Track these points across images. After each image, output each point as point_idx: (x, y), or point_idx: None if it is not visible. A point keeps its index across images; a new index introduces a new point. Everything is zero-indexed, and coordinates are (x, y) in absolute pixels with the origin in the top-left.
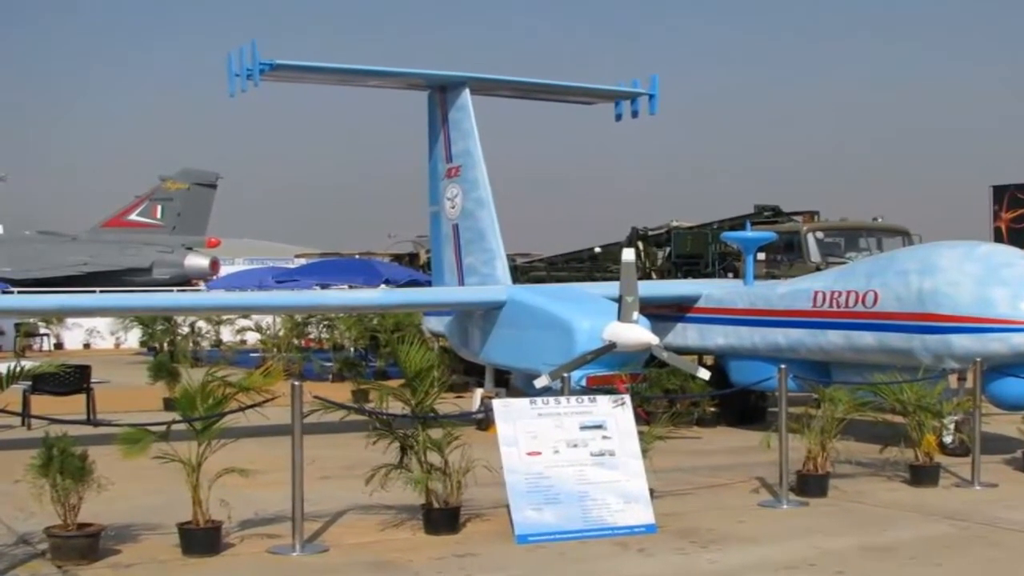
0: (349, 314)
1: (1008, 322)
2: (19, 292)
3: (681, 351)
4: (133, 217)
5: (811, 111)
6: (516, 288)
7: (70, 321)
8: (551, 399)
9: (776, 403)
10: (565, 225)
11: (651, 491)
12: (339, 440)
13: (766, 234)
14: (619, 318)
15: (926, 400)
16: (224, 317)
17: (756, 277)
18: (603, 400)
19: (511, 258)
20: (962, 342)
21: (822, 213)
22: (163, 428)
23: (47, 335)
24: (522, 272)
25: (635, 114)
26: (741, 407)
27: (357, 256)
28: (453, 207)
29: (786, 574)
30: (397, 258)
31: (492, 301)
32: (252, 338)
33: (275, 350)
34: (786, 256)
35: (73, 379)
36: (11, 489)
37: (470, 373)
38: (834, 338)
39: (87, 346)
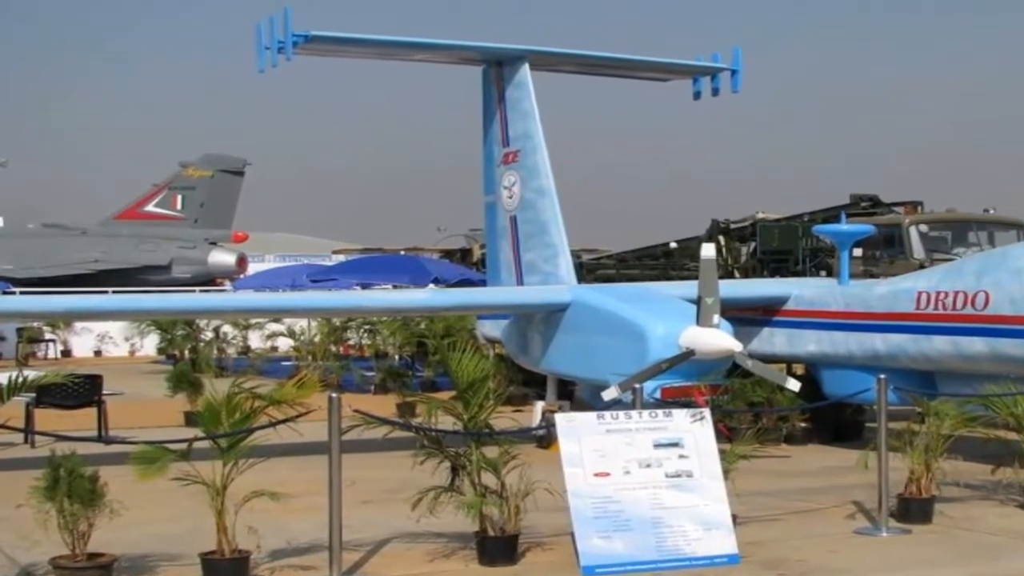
0: (393, 317)
1: None
2: (21, 292)
3: (767, 359)
4: (150, 208)
5: (915, 88)
6: (582, 288)
7: (79, 325)
8: (621, 413)
9: (874, 418)
10: (637, 217)
11: (733, 517)
12: (382, 459)
13: (863, 227)
14: (698, 322)
15: None
16: (252, 321)
17: (852, 276)
18: (680, 415)
19: (576, 254)
20: None
21: (926, 204)
22: (184, 446)
23: (53, 341)
24: (588, 270)
25: (715, 92)
26: (835, 422)
27: (402, 252)
28: (511, 197)
29: None
30: (447, 254)
31: (554, 303)
32: (284, 344)
33: (310, 358)
34: (886, 252)
35: (82, 391)
36: (13, 514)
37: (530, 384)
38: (940, 344)
39: (98, 353)
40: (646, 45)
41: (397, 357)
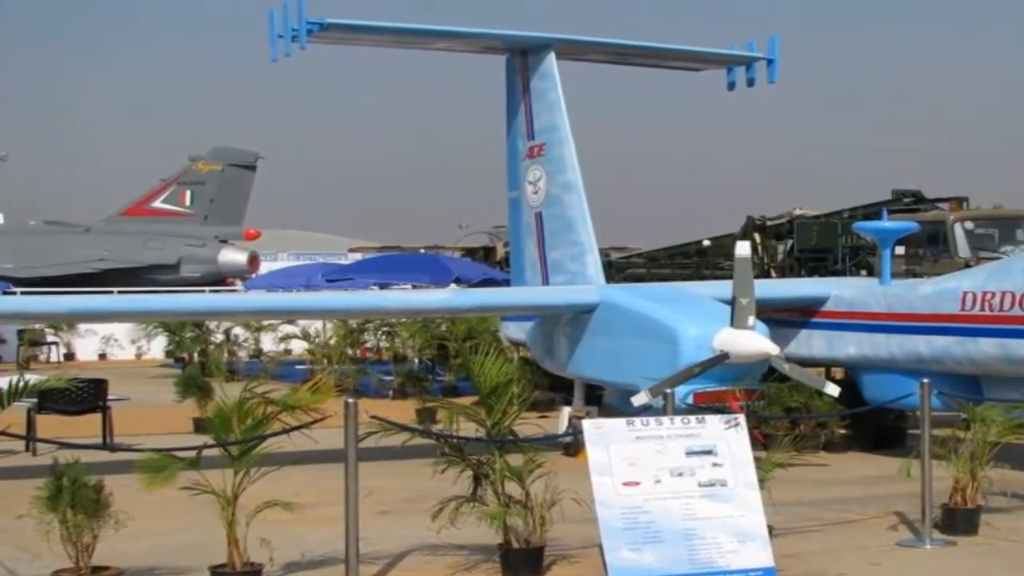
0: (413, 319)
1: None
2: (22, 293)
3: (805, 363)
4: (157, 204)
5: (961, 79)
6: (610, 288)
7: (83, 327)
8: (651, 419)
9: (917, 424)
10: (668, 214)
11: (770, 528)
12: (401, 468)
13: (906, 224)
14: (732, 324)
15: None
16: (265, 323)
17: (894, 275)
18: (713, 421)
19: (604, 253)
20: None
21: (972, 200)
22: (193, 454)
23: (56, 344)
24: (617, 269)
25: (751, 82)
26: (876, 429)
27: (422, 250)
28: (536, 192)
29: None
30: (469, 252)
31: (582, 304)
32: (298, 347)
33: (325, 361)
34: (929, 250)
35: (86, 396)
36: (14, 526)
37: (556, 389)
38: (986, 347)
39: (103, 357)
40: (677, 33)
41: (417, 360)
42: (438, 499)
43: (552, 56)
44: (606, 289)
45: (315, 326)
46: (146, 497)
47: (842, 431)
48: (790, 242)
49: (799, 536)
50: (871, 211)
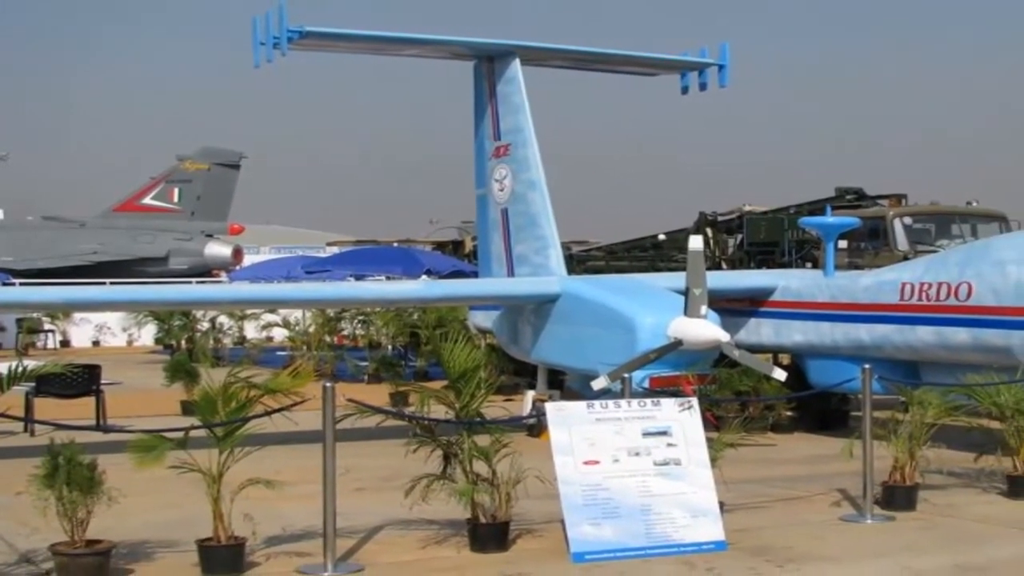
0: (386, 308)
1: None
2: (21, 284)
3: (754, 349)
4: (147, 201)
5: (898, 83)
6: (572, 280)
7: (78, 316)
8: (610, 402)
9: (859, 407)
10: (626, 210)
11: (721, 504)
12: (375, 448)
13: (848, 220)
14: (686, 313)
15: None
16: (248, 312)
17: (837, 267)
18: (668, 403)
19: (566, 246)
20: None
21: (910, 197)
22: (181, 435)
23: (52, 332)
24: (578, 262)
25: (703, 87)
26: (820, 411)
27: (395, 244)
28: (502, 190)
29: None
30: (439, 246)
31: (545, 294)
32: (279, 335)
33: (305, 348)
34: (871, 244)
35: (81, 380)
36: (13, 502)
37: (520, 374)
38: (924, 335)
39: (96, 344)
40: (634, 40)
41: (390, 347)
42: (410, 477)
43: (517, 62)
44: (567, 281)
45: (295, 315)
46: (137, 475)
47: (788, 413)
48: (740, 236)
49: (748, 512)
50: (816, 207)
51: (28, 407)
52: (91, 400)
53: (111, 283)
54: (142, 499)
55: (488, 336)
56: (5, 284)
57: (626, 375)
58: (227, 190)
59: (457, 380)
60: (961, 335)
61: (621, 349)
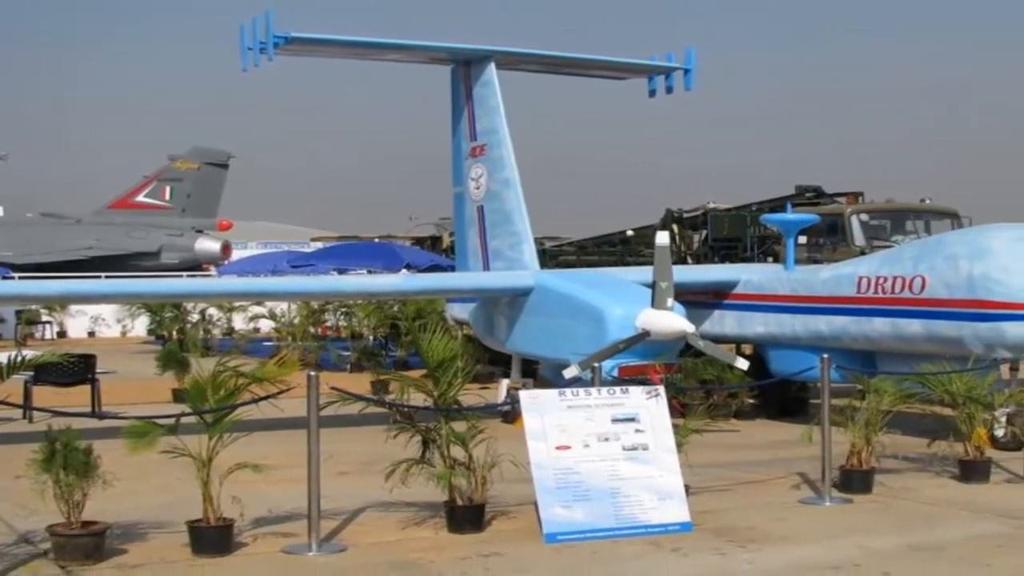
0: (368, 301)
1: None
2: (20, 278)
3: (718, 339)
4: (141, 198)
5: (855, 87)
6: (544, 273)
7: (74, 308)
8: (581, 390)
9: (818, 394)
10: (596, 207)
11: (686, 487)
12: (357, 434)
13: (808, 216)
14: (653, 305)
15: (976, 391)
16: (236, 304)
17: (797, 262)
18: (636, 391)
19: (539, 242)
20: (1015, 330)
21: (867, 194)
22: (172, 421)
23: (50, 323)
24: (550, 256)
25: (669, 90)
26: (781, 399)
27: (376, 240)
28: (478, 188)
29: (829, 575)
30: (418, 242)
31: (519, 287)
32: (266, 326)
33: (290, 339)
34: (829, 240)
35: (77, 370)
36: (12, 485)
37: (496, 363)
38: (879, 326)
39: (92, 334)
40: (604, 45)
41: (371, 338)
42: (391, 461)
43: (492, 66)
44: (540, 274)
45: (281, 307)
46: (130, 460)
47: (751, 401)
48: (704, 232)
49: (712, 494)
50: (777, 205)
51: (27, 395)
52: (87, 388)
53: (106, 277)
54: (135, 482)
55: (465, 327)
56: (5, 278)
57: (596, 364)
58: (216, 188)
59: (435, 369)
60: (915, 326)
61: (591, 339)
